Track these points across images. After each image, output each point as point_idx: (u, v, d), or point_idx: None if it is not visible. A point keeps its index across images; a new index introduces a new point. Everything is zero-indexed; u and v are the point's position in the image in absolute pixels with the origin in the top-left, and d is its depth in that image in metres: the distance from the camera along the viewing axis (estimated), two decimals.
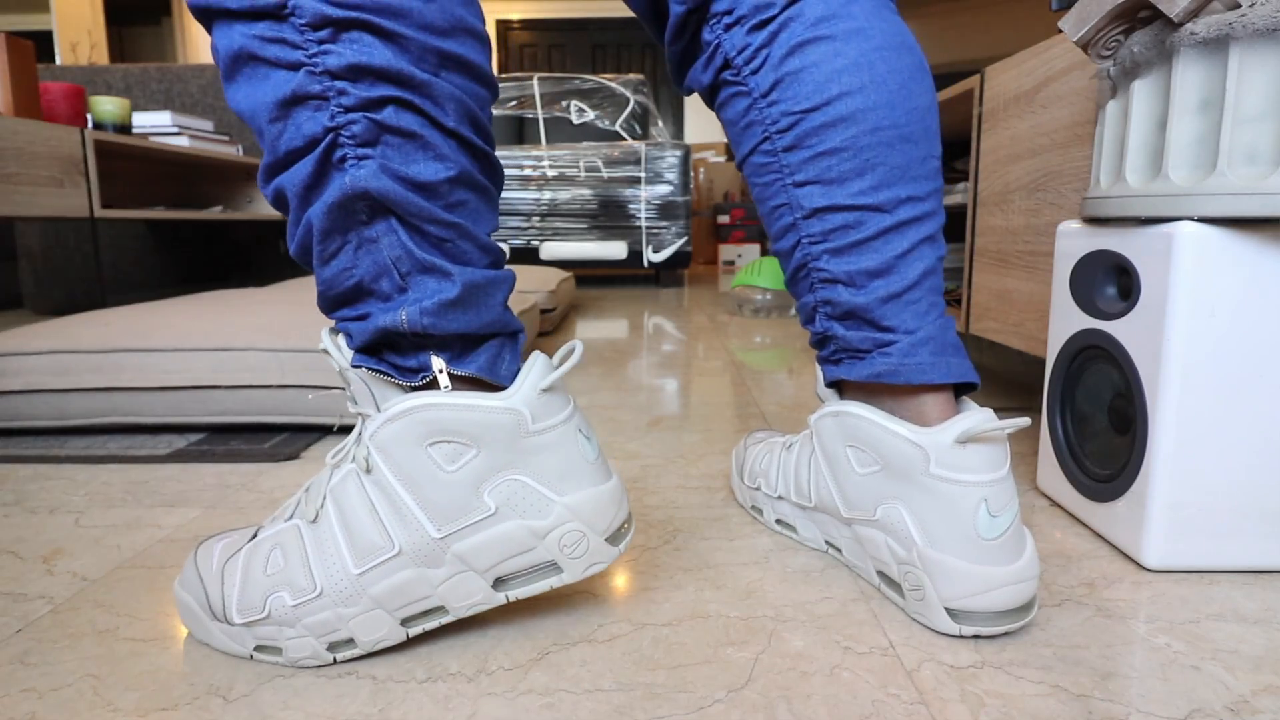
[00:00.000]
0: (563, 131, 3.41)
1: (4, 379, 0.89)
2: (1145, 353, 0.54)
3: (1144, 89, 0.54)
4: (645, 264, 2.94)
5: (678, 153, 2.89)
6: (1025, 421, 0.45)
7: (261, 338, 0.91)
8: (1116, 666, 0.43)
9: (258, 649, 0.44)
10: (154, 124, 2.02)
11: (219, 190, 2.32)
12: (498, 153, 3.13)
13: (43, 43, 4.59)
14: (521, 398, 0.44)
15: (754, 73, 0.50)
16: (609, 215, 2.91)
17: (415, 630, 0.45)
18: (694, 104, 6.36)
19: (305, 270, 2.43)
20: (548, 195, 3.07)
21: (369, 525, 0.44)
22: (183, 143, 2.01)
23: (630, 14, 6.24)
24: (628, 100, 3.25)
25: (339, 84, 0.39)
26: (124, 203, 2.18)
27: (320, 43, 0.39)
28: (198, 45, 5.01)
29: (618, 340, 1.70)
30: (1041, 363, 1.37)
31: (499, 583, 0.46)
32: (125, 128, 1.84)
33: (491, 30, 7.73)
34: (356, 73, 0.39)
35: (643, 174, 2.89)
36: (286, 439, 0.89)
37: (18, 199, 1.38)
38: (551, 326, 1.82)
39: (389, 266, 0.42)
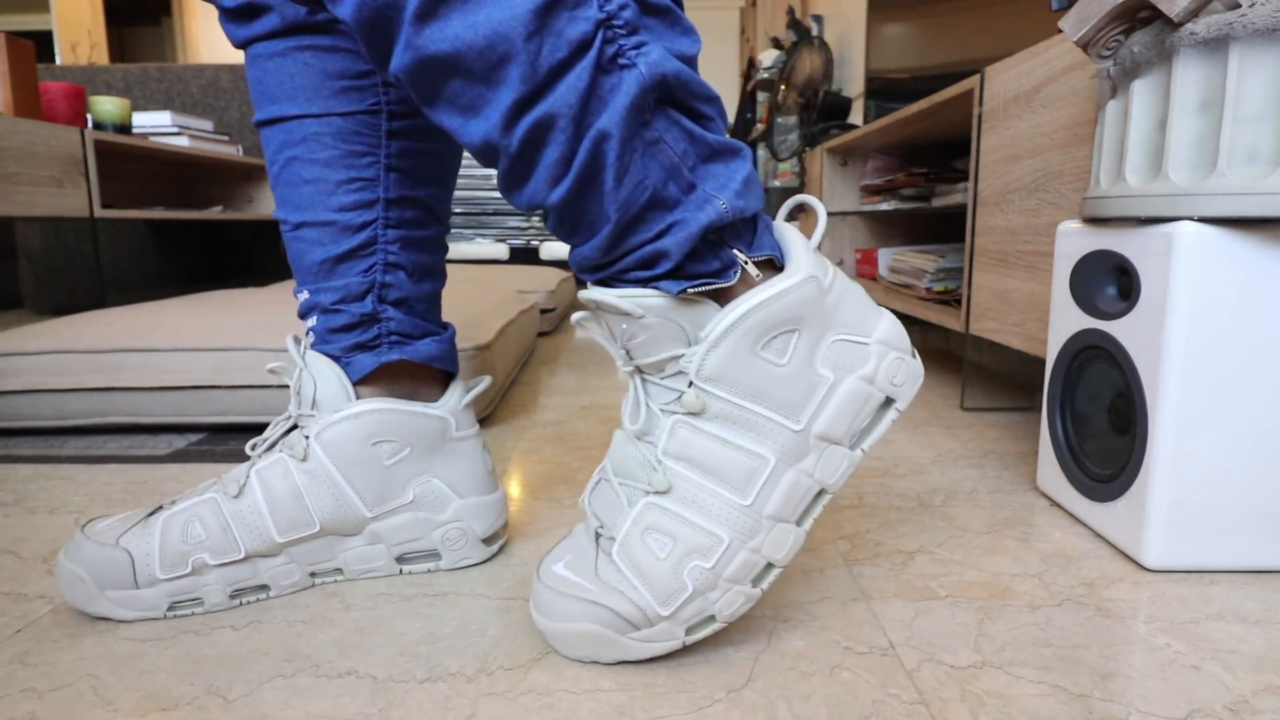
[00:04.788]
0: None
1: (4, 379, 0.89)
2: (1145, 353, 0.54)
3: (1144, 89, 0.54)
4: None
5: None
6: (486, 379, 0.55)
7: (261, 338, 0.91)
8: (1116, 666, 0.43)
9: (689, 630, 0.43)
10: (154, 124, 2.02)
11: (219, 190, 2.32)
12: None
13: (43, 43, 4.58)
14: (811, 260, 0.43)
15: None
16: None
17: (808, 522, 0.45)
18: None
19: None
20: None
21: (727, 457, 0.42)
22: (183, 143, 2.01)
23: None
24: None
25: None
26: (124, 203, 2.18)
27: None
28: (198, 45, 5.00)
29: None
30: (1041, 363, 1.37)
31: (854, 440, 0.46)
32: (125, 128, 1.84)
33: None
34: None
35: None
36: None
37: (18, 199, 1.38)
38: (551, 326, 1.82)
39: (676, 165, 0.39)
